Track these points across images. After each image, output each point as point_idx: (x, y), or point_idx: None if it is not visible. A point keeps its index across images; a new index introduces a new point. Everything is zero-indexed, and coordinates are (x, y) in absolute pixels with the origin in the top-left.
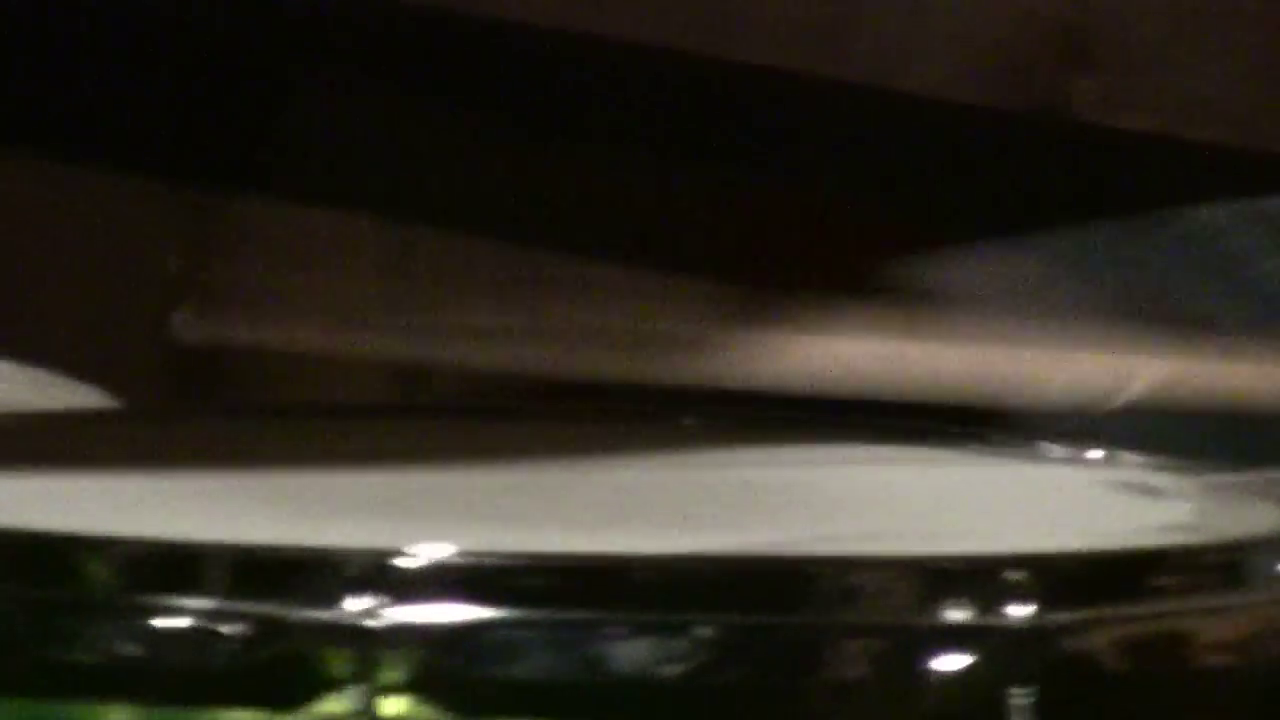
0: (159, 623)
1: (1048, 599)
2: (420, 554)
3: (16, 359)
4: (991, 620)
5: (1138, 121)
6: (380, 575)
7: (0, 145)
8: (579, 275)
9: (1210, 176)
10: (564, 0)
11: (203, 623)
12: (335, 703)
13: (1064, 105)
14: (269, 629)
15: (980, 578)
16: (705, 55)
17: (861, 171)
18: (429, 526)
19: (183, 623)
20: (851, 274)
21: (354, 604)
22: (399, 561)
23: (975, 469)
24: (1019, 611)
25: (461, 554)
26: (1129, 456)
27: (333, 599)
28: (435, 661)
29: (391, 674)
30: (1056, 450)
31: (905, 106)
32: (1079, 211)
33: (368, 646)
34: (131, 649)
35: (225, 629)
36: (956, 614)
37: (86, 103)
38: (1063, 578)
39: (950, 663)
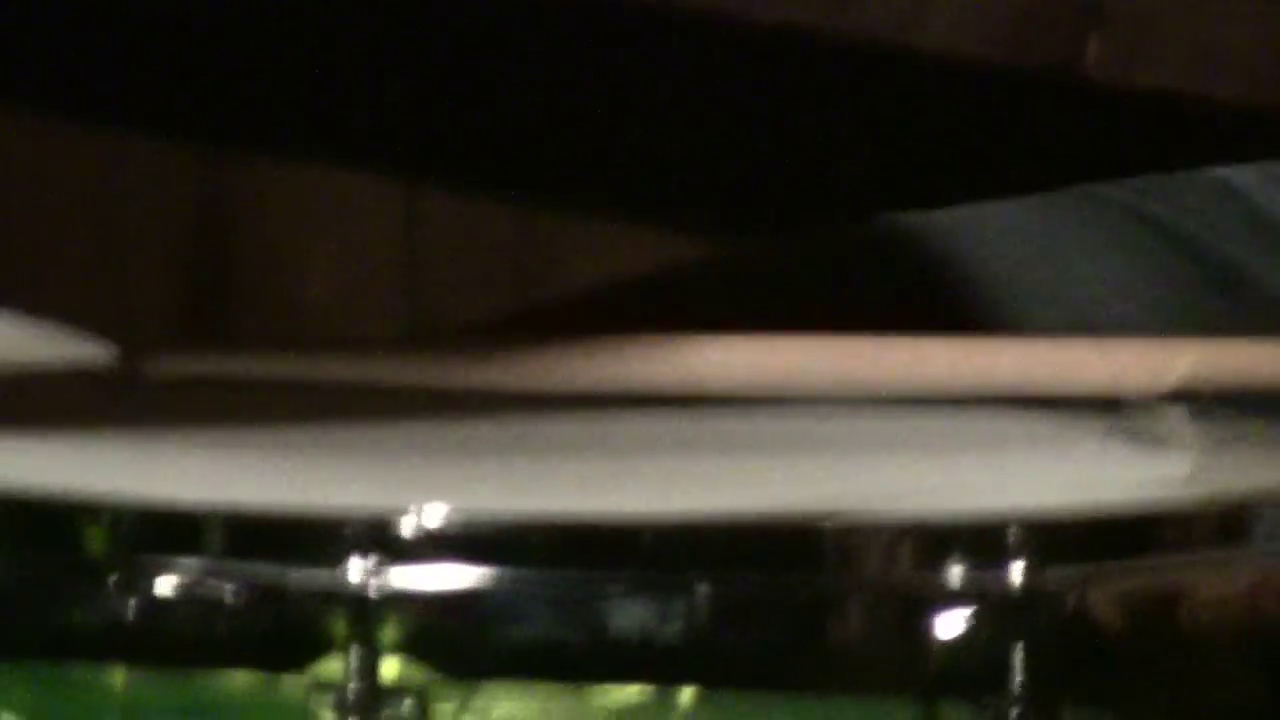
0: (157, 585)
1: (1048, 557)
2: (420, 515)
3: (27, 313)
4: (992, 579)
5: (1154, 78)
6: (380, 537)
7: (15, 106)
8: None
9: (1230, 133)
10: None
11: (201, 585)
12: (334, 665)
13: (1078, 61)
14: (267, 591)
15: (980, 536)
16: (709, 11)
17: (870, 130)
18: (429, 486)
19: (181, 585)
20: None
21: (353, 566)
22: (399, 522)
23: (974, 421)
24: (1019, 570)
25: (462, 515)
26: (1134, 404)
27: (332, 561)
28: (435, 624)
29: (391, 636)
30: (1058, 398)
31: (916, 64)
32: (1096, 171)
33: (367, 609)
34: (130, 612)
35: (223, 591)
36: (957, 573)
37: (100, 62)
38: (1064, 536)
39: (950, 622)
